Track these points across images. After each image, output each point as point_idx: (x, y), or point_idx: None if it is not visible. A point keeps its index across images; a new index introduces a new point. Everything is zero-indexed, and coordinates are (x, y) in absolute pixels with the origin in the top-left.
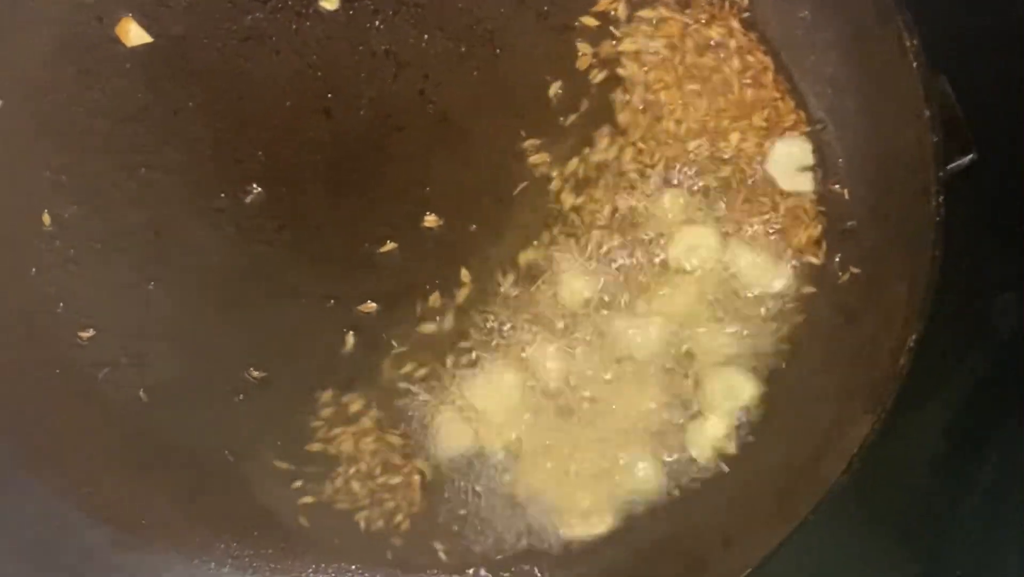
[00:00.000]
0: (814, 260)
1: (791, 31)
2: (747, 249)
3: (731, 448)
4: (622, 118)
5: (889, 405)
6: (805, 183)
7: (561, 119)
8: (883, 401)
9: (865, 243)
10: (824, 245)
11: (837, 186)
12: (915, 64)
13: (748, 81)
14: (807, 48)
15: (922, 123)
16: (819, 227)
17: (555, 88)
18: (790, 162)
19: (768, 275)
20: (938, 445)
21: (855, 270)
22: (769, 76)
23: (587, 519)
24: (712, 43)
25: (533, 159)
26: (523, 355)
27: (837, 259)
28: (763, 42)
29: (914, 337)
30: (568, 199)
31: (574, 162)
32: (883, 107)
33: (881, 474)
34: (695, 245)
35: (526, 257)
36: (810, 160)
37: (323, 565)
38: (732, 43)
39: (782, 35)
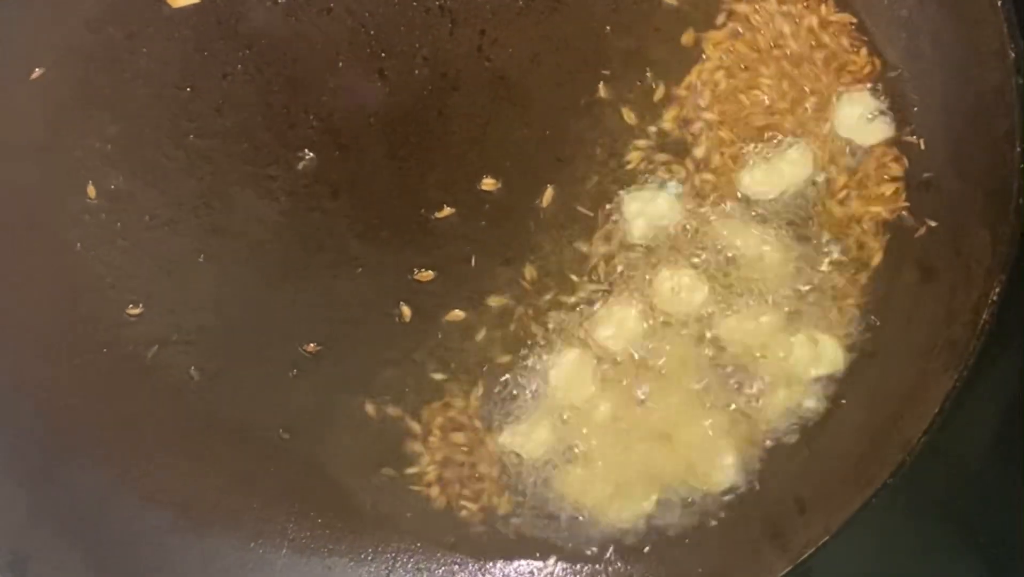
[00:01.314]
0: (887, 215)
1: None
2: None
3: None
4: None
5: (970, 361)
6: (883, 130)
7: (629, 76)
8: (964, 357)
9: (943, 194)
10: (900, 198)
11: (913, 136)
12: (999, 1)
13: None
14: None
15: (1005, 65)
16: (895, 182)
17: (623, 42)
18: (858, 116)
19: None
20: (1003, 422)
21: (932, 223)
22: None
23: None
24: None
25: (595, 117)
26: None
27: (914, 212)
28: None
29: (996, 290)
30: (635, 157)
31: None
32: (962, 49)
33: (940, 461)
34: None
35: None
36: (877, 106)
37: (383, 546)
38: None
39: None
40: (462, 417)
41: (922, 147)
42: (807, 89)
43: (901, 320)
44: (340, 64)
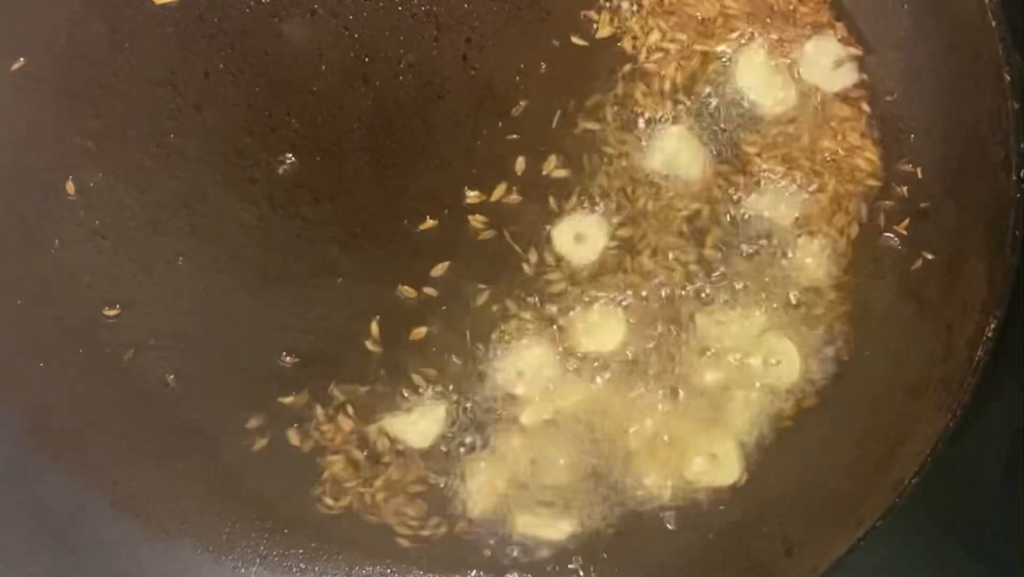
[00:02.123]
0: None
1: None
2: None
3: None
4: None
5: (965, 400)
6: (847, 76)
7: (610, 90)
8: (958, 396)
9: (940, 226)
10: (894, 229)
11: (909, 165)
12: (994, 23)
13: None
14: (878, 9)
15: (1001, 89)
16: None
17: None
18: (824, 60)
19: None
20: (1011, 447)
21: (929, 256)
22: None
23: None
24: None
25: (584, 129)
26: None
27: (911, 244)
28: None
29: (992, 326)
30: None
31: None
32: (958, 73)
33: (950, 481)
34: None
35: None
36: (842, 52)
37: (356, 568)
38: None
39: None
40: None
41: (919, 176)
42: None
43: (894, 355)
44: (323, 67)
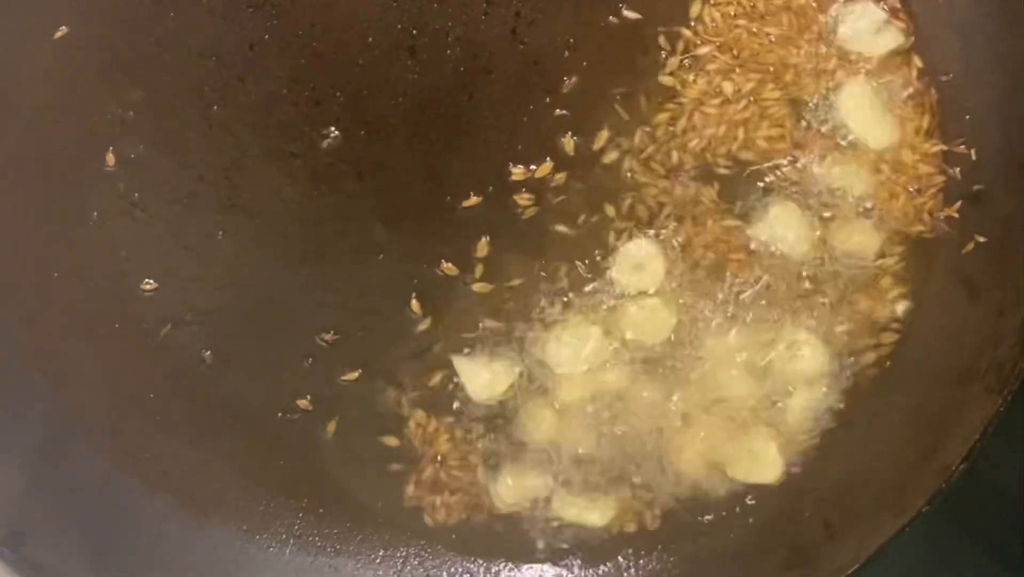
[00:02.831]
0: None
1: None
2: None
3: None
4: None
5: (1016, 386)
6: (892, 38)
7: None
8: (1009, 382)
9: (993, 209)
10: (945, 211)
11: (963, 146)
12: None
13: None
14: None
15: None
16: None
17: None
18: (864, 26)
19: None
20: None
21: (981, 239)
22: None
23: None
24: None
25: (629, 110)
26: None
27: (963, 226)
28: None
29: None
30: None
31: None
32: (1018, 53)
33: (977, 487)
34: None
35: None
36: (882, 15)
37: (391, 549)
38: None
39: None
40: (471, 424)
41: (973, 158)
42: None
43: (944, 339)
44: (370, 40)
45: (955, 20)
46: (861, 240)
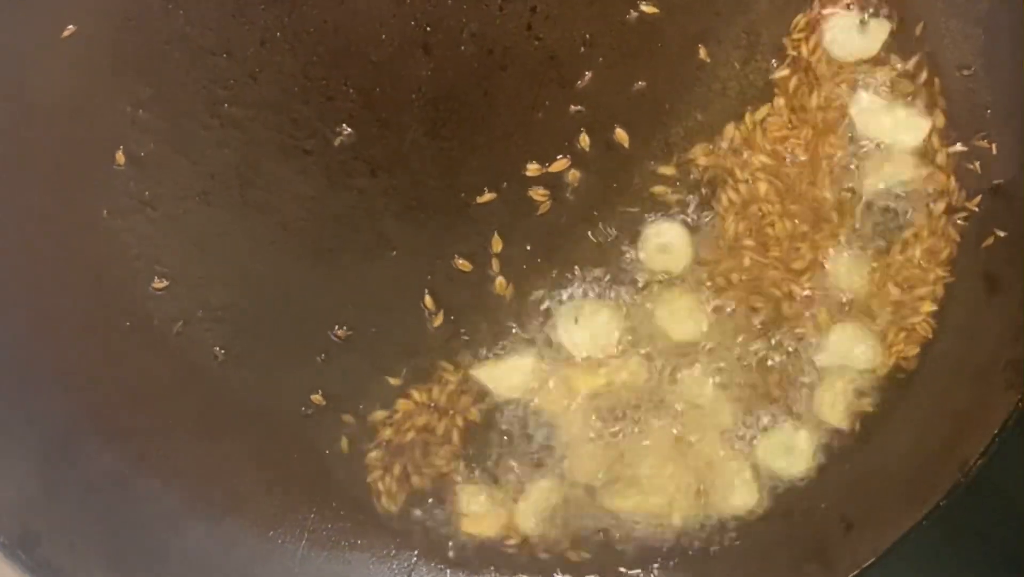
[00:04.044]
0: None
1: None
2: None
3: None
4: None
5: None
6: (879, 31)
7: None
8: None
9: (1014, 203)
10: (966, 205)
11: (984, 140)
12: None
13: None
14: None
15: None
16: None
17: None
18: (848, 29)
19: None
20: None
21: (1001, 233)
22: None
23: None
24: None
25: (648, 106)
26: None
27: (983, 220)
28: None
29: None
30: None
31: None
32: None
33: (984, 494)
34: None
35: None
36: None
37: (404, 549)
38: None
39: None
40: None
41: (994, 152)
42: None
43: (963, 334)
44: (384, 37)
45: (978, 14)
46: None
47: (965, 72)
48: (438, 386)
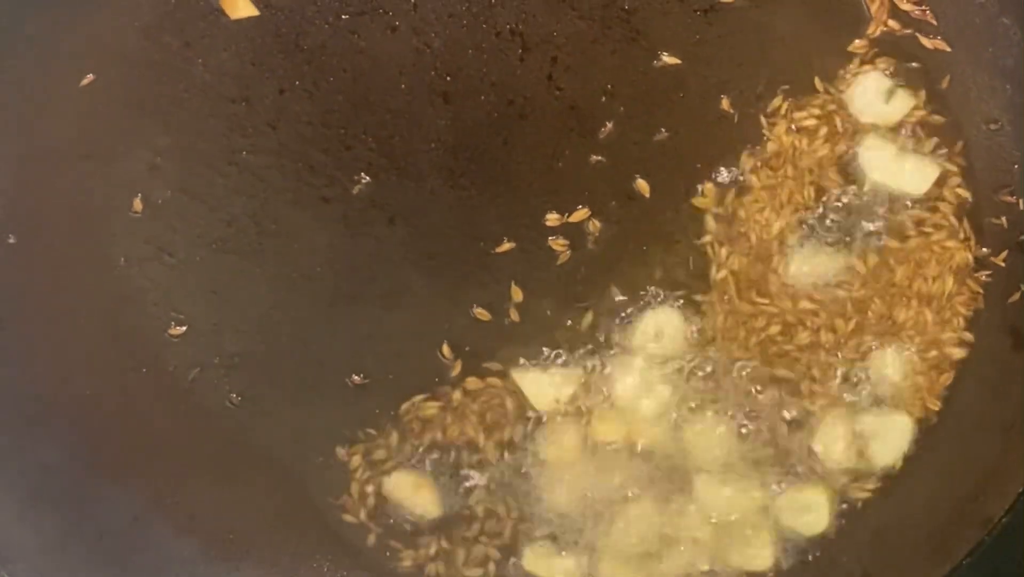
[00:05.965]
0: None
1: (968, 18)
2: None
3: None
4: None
5: None
6: (903, 104)
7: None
8: None
9: None
10: (991, 261)
11: (1012, 196)
12: None
13: None
14: (985, 37)
15: None
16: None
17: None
18: (874, 94)
19: None
20: None
21: None
22: None
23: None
24: None
25: (670, 158)
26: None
27: (1009, 275)
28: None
29: None
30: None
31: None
32: None
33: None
34: None
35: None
36: (888, 82)
37: None
38: None
39: (958, 22)
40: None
41: (1021, 207)
42: None
43: (988, 389)
44: (403, 86)
45: (1005, 68)
46: None
47: (992, 126)
48: (457, 435)
